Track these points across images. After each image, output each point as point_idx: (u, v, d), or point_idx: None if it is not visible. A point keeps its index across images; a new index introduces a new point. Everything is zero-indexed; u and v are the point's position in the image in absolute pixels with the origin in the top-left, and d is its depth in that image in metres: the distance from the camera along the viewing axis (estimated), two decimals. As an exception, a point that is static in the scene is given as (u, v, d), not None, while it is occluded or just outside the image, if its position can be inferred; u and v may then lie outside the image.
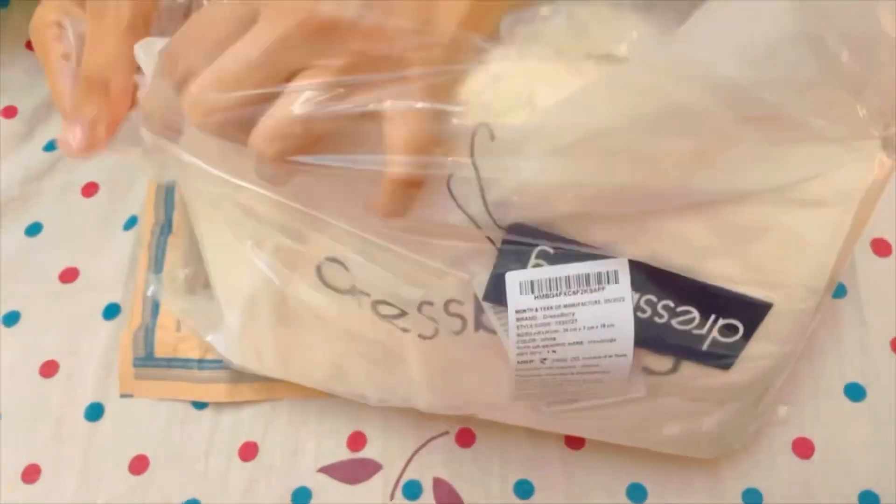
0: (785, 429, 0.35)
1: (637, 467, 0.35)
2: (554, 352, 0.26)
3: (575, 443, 0.35)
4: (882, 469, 0.34)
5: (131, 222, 0.41)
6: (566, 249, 0.25)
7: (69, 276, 0.40)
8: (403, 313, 0.28)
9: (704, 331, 0.26)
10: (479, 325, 0.27)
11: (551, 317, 0.26)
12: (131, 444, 0.37)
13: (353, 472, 0.35)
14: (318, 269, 0.28)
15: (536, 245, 0.25)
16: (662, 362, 0.27)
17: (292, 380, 0.35)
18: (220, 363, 0.37)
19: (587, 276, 0.25)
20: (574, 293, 0.25)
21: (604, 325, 0.25)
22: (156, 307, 0.38)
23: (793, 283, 0.25)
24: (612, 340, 0.26)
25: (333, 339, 0.31)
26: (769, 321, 0.26)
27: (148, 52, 0.27)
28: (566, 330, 0.26)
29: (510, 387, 0.28)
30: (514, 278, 0.26)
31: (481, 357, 0.28)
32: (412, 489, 0.35)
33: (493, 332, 0.27)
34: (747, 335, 0.26)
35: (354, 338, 0.30)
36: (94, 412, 0.37)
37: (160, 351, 0.38)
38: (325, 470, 0.36)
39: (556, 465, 0.35)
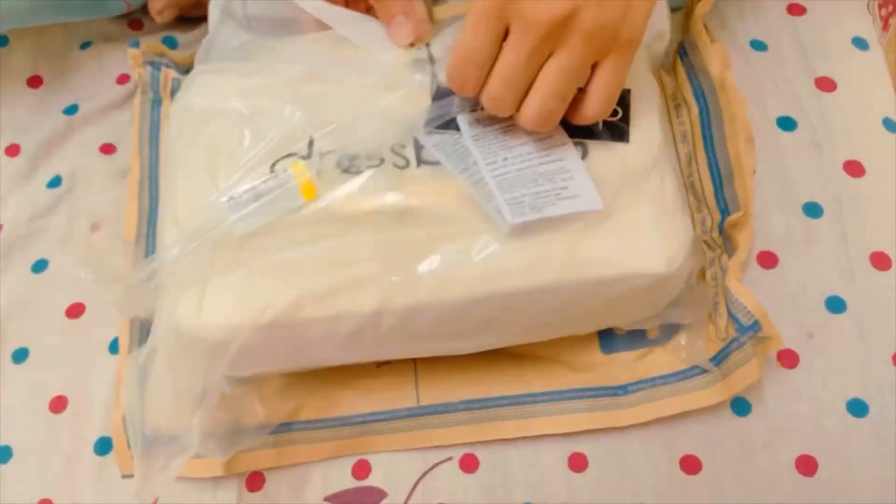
0: (788, 445, 0.35)
1: (641, 488, 0.35)
2: (510, 151, 0.33)
3: (578, 465, 0.36)
4: (886, 484, 0.34)
5: (135, 256, 0.42)
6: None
7: (75, 311, 0.41)
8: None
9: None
10: (421, 162, 0.34)
11: (497, 132, 0.34)
12: (140, 477, 0.37)
13: (359, 500, 0.36)
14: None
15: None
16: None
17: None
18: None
19: None
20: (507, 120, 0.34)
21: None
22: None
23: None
24: (549, 136, 0.34)
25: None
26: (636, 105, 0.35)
27: None
28: (511, 136, 0.34)
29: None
30: (462, 118, 0.34)
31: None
32: (417, 516, 0.35)
33: (432, 164, 0.34)
34: (626, 113, 0.34)
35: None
36: (104, 446, 0.38)
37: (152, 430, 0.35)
38: (331, 499, 0.36)
39: (559, 487, 0.35)
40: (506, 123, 0.34)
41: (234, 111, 0.35)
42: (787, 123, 0.41)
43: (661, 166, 0.34)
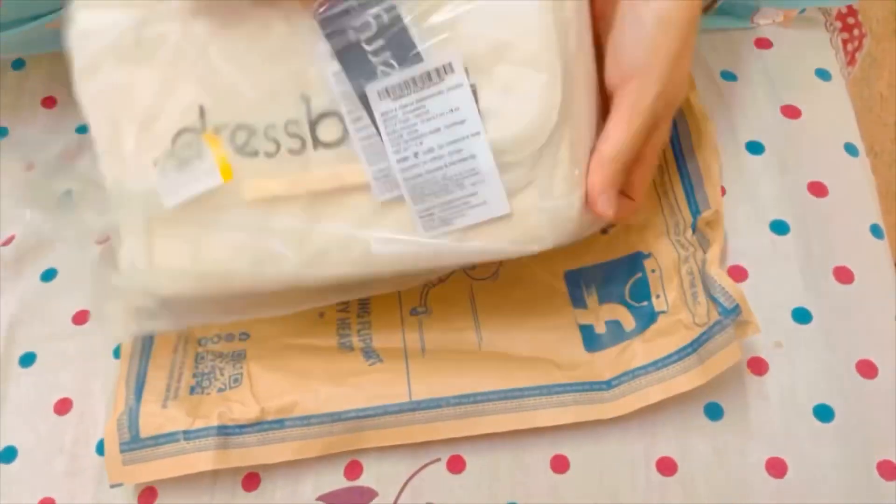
0: (759, 448, 0.37)
1: (619, 488, 0.37)
2: (420, 143, 0.31)
3: (560, 467, 0.37)
4: (853, 488, 0.36)
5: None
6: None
7: (81, 318, 0.43)
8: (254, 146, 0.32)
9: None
10: (317, 143, 0.32)
11: (409, 112, 0.31)
12: (141, 477, 0.38)
13: (350, 499, 0.37)
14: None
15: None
16: None
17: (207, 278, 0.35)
18: (206, 431, 0.36)
19: (429, 73, 0.30)
20: (421, 89, 0.30)
21: (451, 110, 0.31)
22: (139, 388, 0.39)
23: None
24: (462, 122, 0.31)
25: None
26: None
27: None
28: (423, 121, 0.31)
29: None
30: (372, 88, 0.30)
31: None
32: (406, 514, 0.37)
33: (329, 146, 0.32)
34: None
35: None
36: (106, 447, 0.39)
37: (146, 430, 0.37)
38: (324, 498, 0.37)
39: (542, 488, 0.37)
40: (417, 97, 0.31)
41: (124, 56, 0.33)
42: (755, 147, 0.44)
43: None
